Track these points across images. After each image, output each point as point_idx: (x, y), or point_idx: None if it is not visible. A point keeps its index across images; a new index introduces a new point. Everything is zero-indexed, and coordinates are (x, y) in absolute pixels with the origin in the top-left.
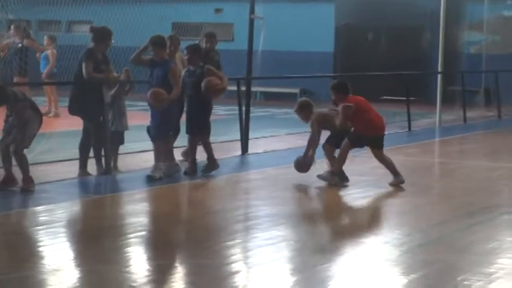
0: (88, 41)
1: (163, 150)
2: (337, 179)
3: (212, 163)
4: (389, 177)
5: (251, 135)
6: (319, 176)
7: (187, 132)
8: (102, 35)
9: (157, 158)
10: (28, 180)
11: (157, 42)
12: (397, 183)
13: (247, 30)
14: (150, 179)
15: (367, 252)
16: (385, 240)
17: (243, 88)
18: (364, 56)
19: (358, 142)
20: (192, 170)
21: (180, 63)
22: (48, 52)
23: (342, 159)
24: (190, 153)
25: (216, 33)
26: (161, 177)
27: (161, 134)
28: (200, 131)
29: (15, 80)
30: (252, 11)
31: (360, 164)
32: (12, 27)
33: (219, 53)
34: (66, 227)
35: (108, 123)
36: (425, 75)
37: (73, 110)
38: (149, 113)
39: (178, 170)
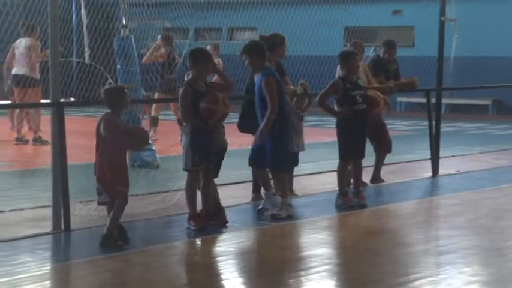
0: None
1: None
2: None
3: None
4: None
5: (440, 153)
6: None
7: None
8: (273, 43)
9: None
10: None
11: None
12: None
13: (431, 34)
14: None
15: None
16: None
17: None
18: None
19: None
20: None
21: (364, 73)
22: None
23: None
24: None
25: (395, 38)
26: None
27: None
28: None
29: (156, 95)
30: (442, 13)
31: None
32: (159, 37)
33: (397, 61)
34: (242, 259)
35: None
36: None
37: (244, 127)
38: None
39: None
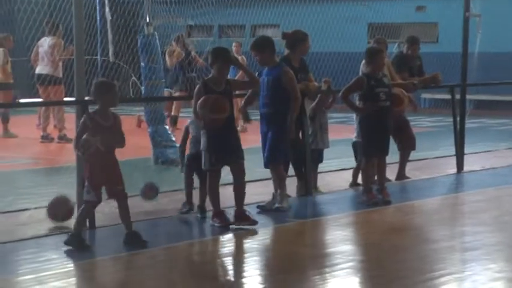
0: (278, 47)
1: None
2: None
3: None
4: None
5: (465, 150)
6: None
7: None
8: (296, 40)
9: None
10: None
11: None
12: None
13: (455, 29)
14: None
15: None
16: None
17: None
18: None
19: None
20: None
21: (387, 70)
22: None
23: None
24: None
25: (418, 34)
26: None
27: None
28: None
29: (176, 93)
30: (467, 9)
31: None
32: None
33: (421, 57)
34: (266, 256)
35: (308, 140)
36: None
37: None
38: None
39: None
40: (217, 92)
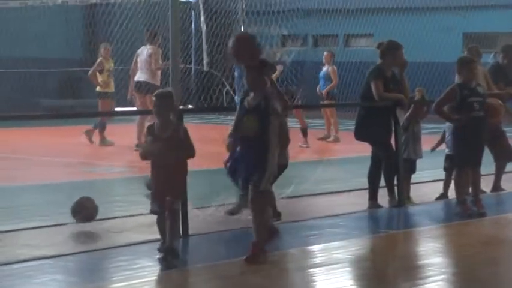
0: (369, 57)
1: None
2: None
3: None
4: None
5: None
6: None
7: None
8: (387, 49)
9: None
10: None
11: None
12: None
13: None
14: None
15: None
16: None
17: None
18: None
19: None
20: None
21: (484, 79)
22: (329, 69)
23: None
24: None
25: None
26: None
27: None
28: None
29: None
30: None
31: None
32: None
33: None
34: (359, 267)
35: (401, 150)
36: None
37: (360, 135)
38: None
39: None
40: (245, 111)
